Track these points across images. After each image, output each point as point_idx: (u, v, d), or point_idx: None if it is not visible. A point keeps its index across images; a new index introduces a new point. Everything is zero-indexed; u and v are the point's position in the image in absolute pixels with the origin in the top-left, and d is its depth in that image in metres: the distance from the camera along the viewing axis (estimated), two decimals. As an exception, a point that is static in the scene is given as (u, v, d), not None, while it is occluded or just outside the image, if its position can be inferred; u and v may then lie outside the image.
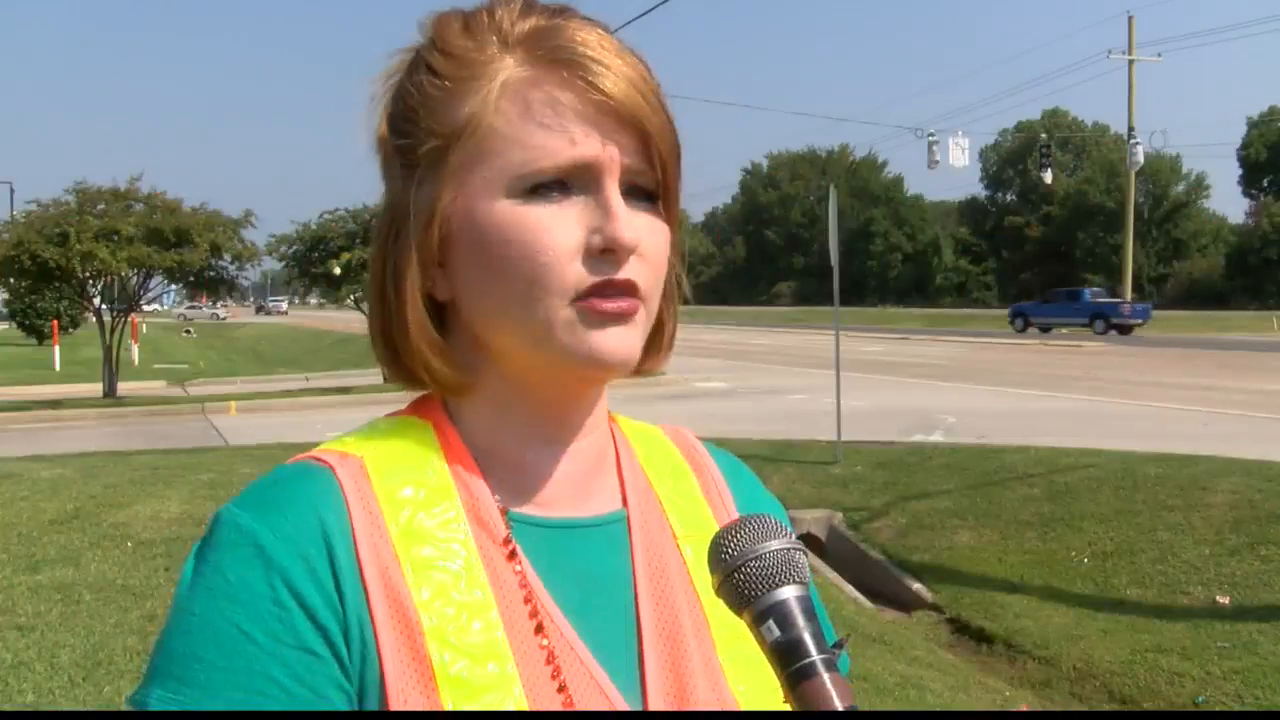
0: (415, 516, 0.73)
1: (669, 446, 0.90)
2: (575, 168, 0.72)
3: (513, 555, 0.75)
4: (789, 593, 0.66)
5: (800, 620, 0.65)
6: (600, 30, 0.75)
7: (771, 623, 0.65)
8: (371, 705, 0.69)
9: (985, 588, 6.93)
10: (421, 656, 0.69)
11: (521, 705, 0.69)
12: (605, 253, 0.72)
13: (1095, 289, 45.44)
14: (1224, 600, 6.16)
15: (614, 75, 0.72)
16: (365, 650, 0.69)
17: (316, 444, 0.78)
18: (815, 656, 0.64)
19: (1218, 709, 5.06)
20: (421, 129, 0.75)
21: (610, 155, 0.72)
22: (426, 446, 0.77)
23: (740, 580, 0.67)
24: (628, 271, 0.73)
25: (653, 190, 0.76)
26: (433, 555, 0.72)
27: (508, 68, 0.74)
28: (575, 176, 0.72)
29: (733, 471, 0.92)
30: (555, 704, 0.71)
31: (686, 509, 0.85)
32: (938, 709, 4.65)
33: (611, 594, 0.78)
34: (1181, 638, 5.78)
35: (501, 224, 0.72)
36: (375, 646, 0.69)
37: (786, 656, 0.64)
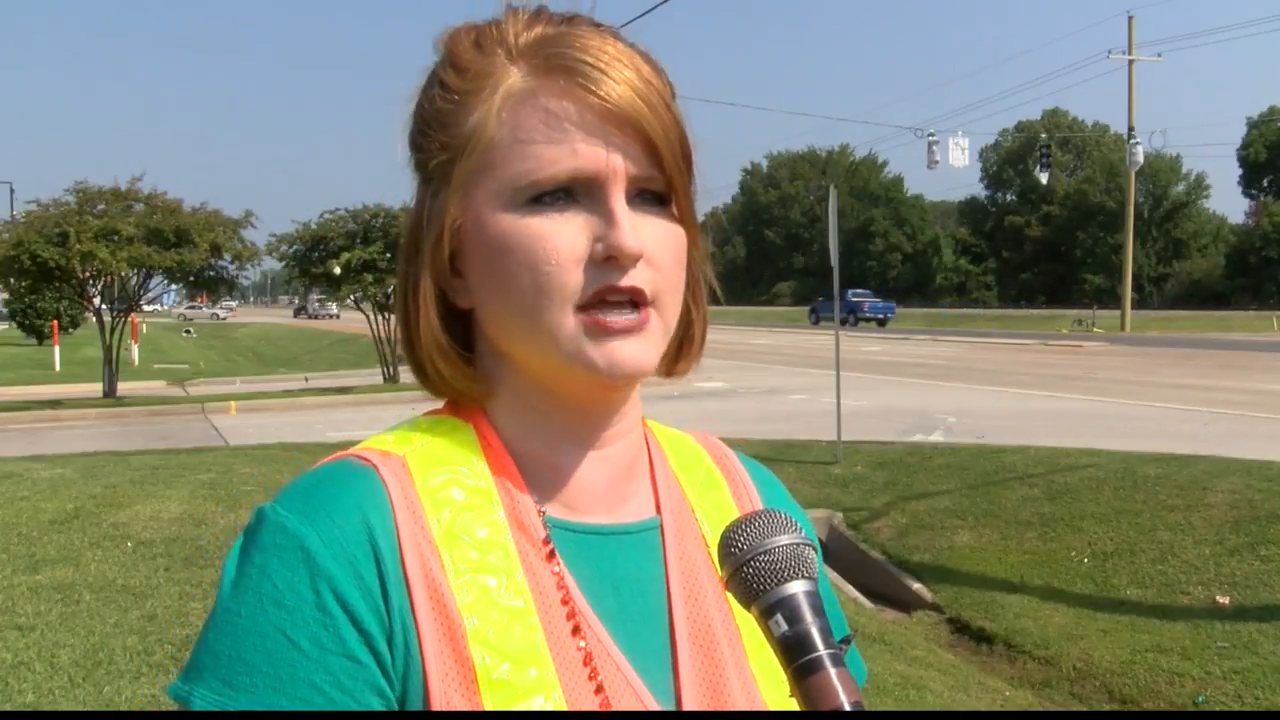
0: (458, 518, 0.73)
1: (700, 453, 0.90)
2: (577, 178, 0.72)
3: (551, 556, 0.75)
4: (797, 588, 0.66)
5: (808, 615, 0.65)
6: (608, 35, 0.75)
7: (779, 617, 0.66)
8: (414, 707, 0.69)
9: (985, 588, 6.93)
10: (464, 658, 0.69)
11: (561, 708, 0.70)
12: (609, 260, 0.72)
13: (857, 290, 52.36)
14: (1224, 600, 6.16)
15: (615, 81, 0.72)
16: (409, 653, 0.69)
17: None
18: (822, 651, 0.64)
19: (1218, 709, 5.06)
20: (433, 143, 0.76)
21: (613, 165, 0.72)
22: (467, 447, 0.77)
23: (749, 574, 0.67)
24: (633, 279, 0.72)
25: (663, 192, 0.75)
26: (475, 558, 0.72)
27: (511, 78, 0.74)
28: (578, 186, 0.72)
29: (764, 482, 0.92)
30: (593, 706, 0.71)
31: (718, 517, 0.85)
32: (938, 709, 4.65)
33: (646, 601, 0.78)
34: (1181, 638, 5.78)
35: (506, 234, 0.73)
36: (419, 648, 0.69)
37: (793, 651, 0.65)
